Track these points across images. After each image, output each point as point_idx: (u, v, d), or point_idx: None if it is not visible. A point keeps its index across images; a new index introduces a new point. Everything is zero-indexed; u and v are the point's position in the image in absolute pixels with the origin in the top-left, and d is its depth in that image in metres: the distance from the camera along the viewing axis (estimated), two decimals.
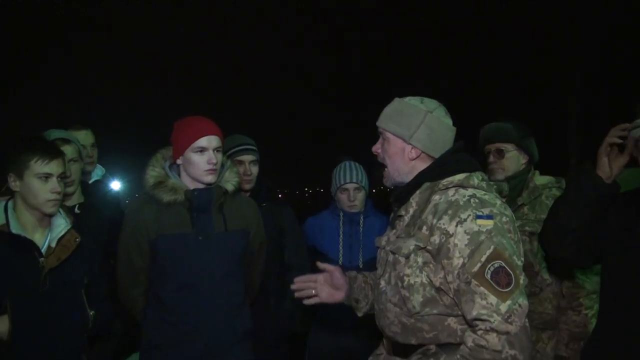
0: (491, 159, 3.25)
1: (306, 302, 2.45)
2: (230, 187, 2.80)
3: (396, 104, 2.21)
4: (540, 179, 3.21)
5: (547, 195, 3.13)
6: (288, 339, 3.51)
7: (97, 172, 3.77)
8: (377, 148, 2.25)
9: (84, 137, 3.54)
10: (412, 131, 2.12)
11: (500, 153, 3.22)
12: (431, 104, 2.17)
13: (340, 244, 3.69)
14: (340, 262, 3.63)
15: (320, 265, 2.46)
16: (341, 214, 3.77)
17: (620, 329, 2.19)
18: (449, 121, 2.18)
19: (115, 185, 3.90)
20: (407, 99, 2.20)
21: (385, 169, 2.24)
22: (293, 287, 2.45)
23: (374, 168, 2.69)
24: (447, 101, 2.25)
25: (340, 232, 3.71)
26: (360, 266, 3.60)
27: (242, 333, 2.78)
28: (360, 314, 2.42)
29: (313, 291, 2.42)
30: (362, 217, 3.74)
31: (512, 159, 3.22)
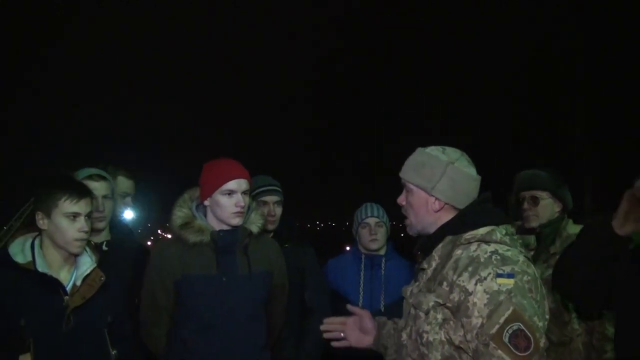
0: (525, 205, 3.26)
1: (334, 344, 2.43)
2: (255, 228, 2.82)
3: (418, 155, 2.20)
4: (573, 228, 3.18)
5: None
6: None
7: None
8: (402, 200, 2.24)
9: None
10: (434, 183, 2.10)
11: (535, 200, 3.24)
12: (453, 153, 2.15)
13: (361, 287, 3.67)
14: (360, 305, 3.61)
15: (351, 308, 2.44)
16: (362, 256, 3.76)
17: None
18: (472, 171, 2.15)
19: (128, 214, 3.90)
20: (429, 149, 2.19)
21: (408, 219, 2.23)
22: (322, 327, 2.44)
23: None
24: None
25: (362, 275, 3.70)
26: (382, 310, 3.57)
27: None
28: None
29: (342, 334, 2.40)
30: (383, 260, 3.73)
31: (547, 207, 3.23)
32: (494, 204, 2.20)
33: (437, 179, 2.10)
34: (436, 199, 2.12)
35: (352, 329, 2.42)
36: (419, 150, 2.22)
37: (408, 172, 2.19)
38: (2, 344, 2.34)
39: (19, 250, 2.45)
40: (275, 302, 2.98)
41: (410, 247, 2.38)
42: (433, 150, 2.17)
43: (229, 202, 2.69)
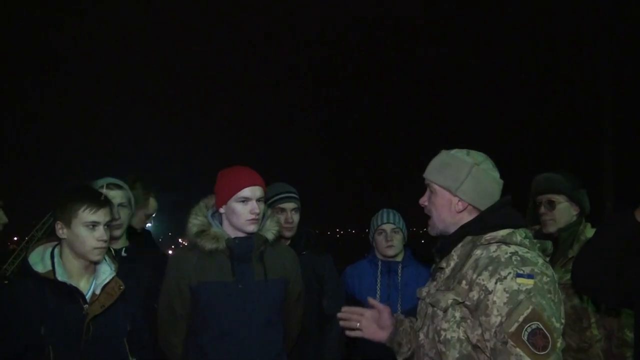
0: (542, 210, 3.24)
1: (348, 333, 2.43)
2: (270, 235, 2.84)
3: (443, 156, 2.23)
4: (591, 232, 3.14)
5: None
6: None
7: None
8: (424, 201, 2.27)
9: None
10: (459, 183, 2.13)
11: (552, 204, 3.21)
12: (478, 156, 2.18)
13: (378, 293, 3.66)
14: None
15: (371, 301, 2.44)
16: (379, 263, 3.76)
17: None
18: (496, 174, 2.18)
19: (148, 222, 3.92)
20: (454, 151, 2.22)
21: (431, 219, 2.25)
22: (340, 315, 2.44)
23: None
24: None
25: (378, 282, 3.70)
26: None
27: None
28: (400, 359, 2.38)
29: (358, 324, 2.41)
30: (400, 267, 3.72)
31: (564, 211, 3.20)
32: (515, 207, 2.20)
33: (462, 180, 2.13)
34: (460, 199, 2.15)
35: (369, 321, 2.41)
36: (444, 152, 2.25)
37: (432, 172, 2.22)
38: (23, 352, 2.37)
39: (39, 260, 2.49)
40: (292, 309, 2.99)
41: (430, 254, 2.39)
42: (457, 152, 2.20)
43: (244, 210, 2.71)
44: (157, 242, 4.08)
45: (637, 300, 2.27)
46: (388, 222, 3.73)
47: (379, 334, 2.41)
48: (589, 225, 3.22)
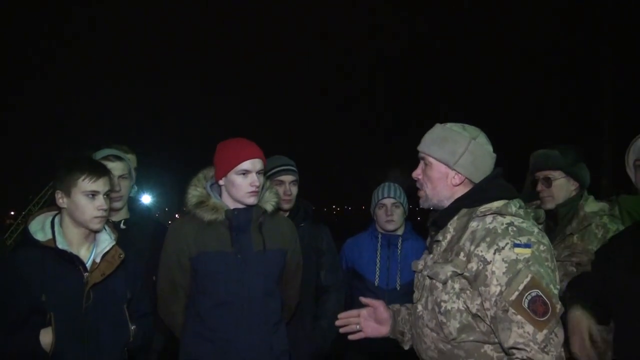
0: (540, 186, 3.23)
1: (351, 337, 2.45)
2: (269, 207, 2.85)
3: (439, 130, 2.22)
4: (591, 206, 3.15)
5: (597, 224, 3.08)
6: (323, 359, 3.50)
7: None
8: (417, 174, 2.26)
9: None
10: (457, 157, 2.14)
11: (548, 181, 3.21)
12: (473, 131, 2.19)
13: (377, 265, 3.68)
14: (376, 284, 3.64)
15: (364, 300, 2.46)
16: (379, 236, 3.78)
17: None
18: (490, 148, 2.19)
19: (146, 199, 3.93)
20: (449, 125, 2.22)
21: (422, 192, 2.25)
22: (337, 323, 2.46)
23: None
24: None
25: (378, 254, 3.72)
26: (398, 289, 3.60)
27: (279, 352, 2.81)
28: (406, 347, 2.40)
29: (357, 326, 2.43)
30: (400, 240, 3.75)
31: (561, 187, 3.20)
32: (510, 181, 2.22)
33: (460, 154, 2.14)
34: (457, 173, 2.16)
35: (367, 320, 2.44)
36: (439, 126, 2.25)
37: (429, 146, 2.22)
38: (25, 319, 2.40)
39: (39, 228, 2.51)
40: (290, 280, 3.02)
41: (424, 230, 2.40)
42: (454, 127, 2.20)
43: (244, 182, 2.72)
44: (155, 218, 4.08)
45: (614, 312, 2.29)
46: (389, 197, 3.75)
47: (380, 330, 2.44)
48: (590, 198, 3.21)
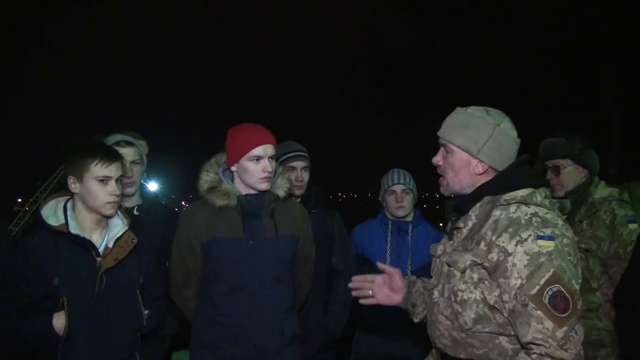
0: (548, 175, 3.23)
1: (362, 301, 2.44)
2: (281, 193, 2.84)
3: (461, 115, 2.13)
4: (601, 192, 3.17)
5: (605, 210, 3.09)
6: (334, 344, 3.51)
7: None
8: (438, 160, 2.18)
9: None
10: (480, 145, 2.05)
11: (557, 169, 3.22)
12: (498, 115, 2.09)
13: (388, 252, 3.68)
14: None
15: (381, 265, 2.44)
16: (389, 222, 3.77)
17: None
18: (515, 134, 2.10)
19: (152, 186, 3.93)
20: (472, 109, 2.12)
21: (443, 179, 2.18)
22: (350, 285, 2.44)
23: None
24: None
25: (388, 241, 3.71)
26: (408, 275, 3.59)
27: (290, 337, 2.82)
28: (416, 320, 2.39)
29: (370, 292, 2.41)
30: (410, 226, 3.74)
31: (570, 175, 3.21)
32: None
33: (484, 142, 2.05)
34: (480, 161, 2.08)
35: (381, 287, 2.42)
36: (460, 110, 2.15)
37: (450, 132, 2.12)
38: (38, 303, 2.41)
39: (51, 213, 2.51)
40: (302, 266, 3.02)
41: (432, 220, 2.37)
42: (477, 111, 2.10)
43: (256, 168, 2.70)
44: (166, 204, 4.08)
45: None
46: (399, 183, 3.73)
47: (393, 298, 2.41)
48: (601, 184, 3.22)
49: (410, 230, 3.72)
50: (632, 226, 3.01)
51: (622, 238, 3.01)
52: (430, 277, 2.31)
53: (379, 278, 2.42)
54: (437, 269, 2.24)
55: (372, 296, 2.42)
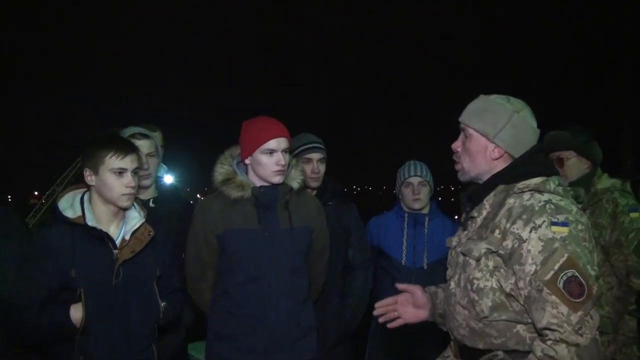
0: None
1: (390, 325, 2.41)
2: (295, 184, 2.84)
3: (482, 101, 2.15)
4: (604, 182, 3.25)
5: (607, 199, 3.18)
6: (350, 336, 3.51)
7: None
8: (457, 146, 2.20)
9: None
10: (498, 130, 2.06)
11: (561, 161, 3.30)
12: (518, 104, 2.11)
13: (404, 244, 3.67)
14: (403, 263, 3.63)
15: (400, 286, 2.42)
16: (406, 215, 3.75)
17: None
18: (534, 123, 2.11)
19: (168, 179, 3.94)
20: (493, 96, 2.14)
21: (459, 165, 2.19)
22: (375, 312, 2.42)
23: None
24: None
25: (405, 233, 3.70)
26: (425, 267, 3.59)
27: (306, 329, 2.82)
28: (446, 329, 2.35)
29: (396, 313, 2.39)
30: (427, 219, 3.72)
31: (573, 167, 3.30)
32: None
33: (502, 126, 2.06)
34: (496, 146, 2.09)
35: (404, 306, 2.40)
36: (483, 97, 2.17)
37: (470, 116, 2.15)
38: (56, 295, 2.43)
39: (68, 206, 2.52)
40: (317, 258, 3.02)
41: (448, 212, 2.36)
42: (498, 98, 2.13)
43: (270, 161, 2.70)
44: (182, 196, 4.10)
45: None
46: (415, 175, 3.71)
47: (419, 314, 2.40)
48: (605, 175, 3.30)
49: (426, 223, 3.71)
50: (634, 215, 3.10)
51: (624, 226, 3.10)
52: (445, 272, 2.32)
53: (401, 298, 2.41)
54: (452, 260, 2.25)
55: (399, 317, 2.40)
